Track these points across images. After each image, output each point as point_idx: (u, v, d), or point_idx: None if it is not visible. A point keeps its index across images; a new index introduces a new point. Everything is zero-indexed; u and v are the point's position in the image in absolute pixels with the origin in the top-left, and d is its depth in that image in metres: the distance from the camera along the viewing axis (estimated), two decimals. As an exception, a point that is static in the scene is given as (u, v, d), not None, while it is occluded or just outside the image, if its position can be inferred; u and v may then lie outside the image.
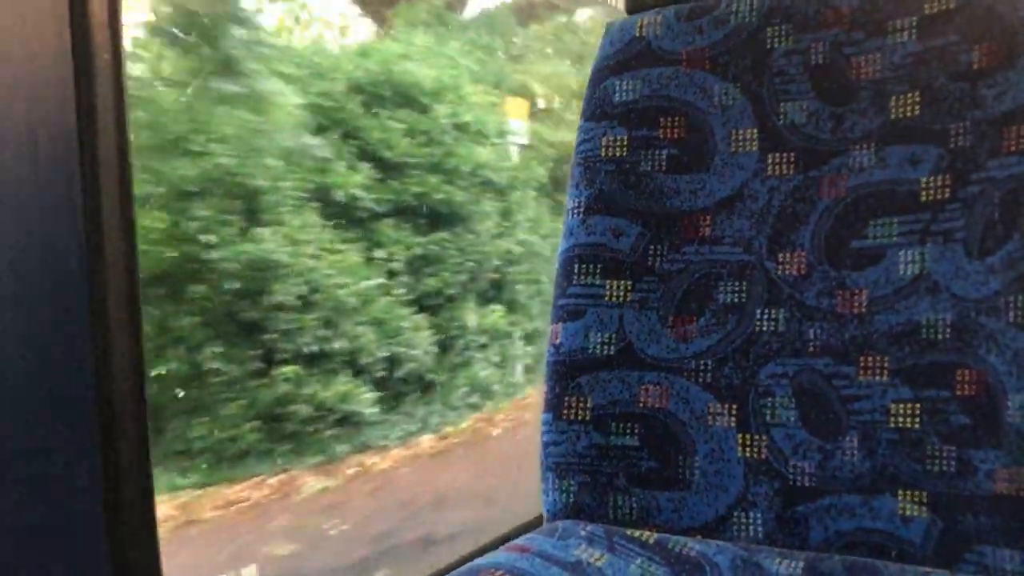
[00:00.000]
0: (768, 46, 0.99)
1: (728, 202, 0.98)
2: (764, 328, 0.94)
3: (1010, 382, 0.82)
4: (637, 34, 1.05)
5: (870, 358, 0.89)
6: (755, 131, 0.98)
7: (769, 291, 0.95)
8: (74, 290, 0.67)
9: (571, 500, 0.99)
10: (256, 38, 3.73)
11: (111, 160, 0.66)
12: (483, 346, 4.56)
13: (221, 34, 3.48)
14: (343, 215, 3.92)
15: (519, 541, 0.89)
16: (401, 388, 4.07)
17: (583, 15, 6.30)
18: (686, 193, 1.00)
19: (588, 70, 1.09)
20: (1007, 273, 0.84)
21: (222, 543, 3.09)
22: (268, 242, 3.44)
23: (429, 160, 4.29)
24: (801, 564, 0.84)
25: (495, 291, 4.68)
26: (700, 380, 0.96)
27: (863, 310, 0.90)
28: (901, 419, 0.87)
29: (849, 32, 0.95)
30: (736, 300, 0.96)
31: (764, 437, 0.92)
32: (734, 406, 0.94)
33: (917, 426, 0.86)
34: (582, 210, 1.03)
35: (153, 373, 3.06)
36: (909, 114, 0.91)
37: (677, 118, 1.01)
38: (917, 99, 0.91)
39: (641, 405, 0.97)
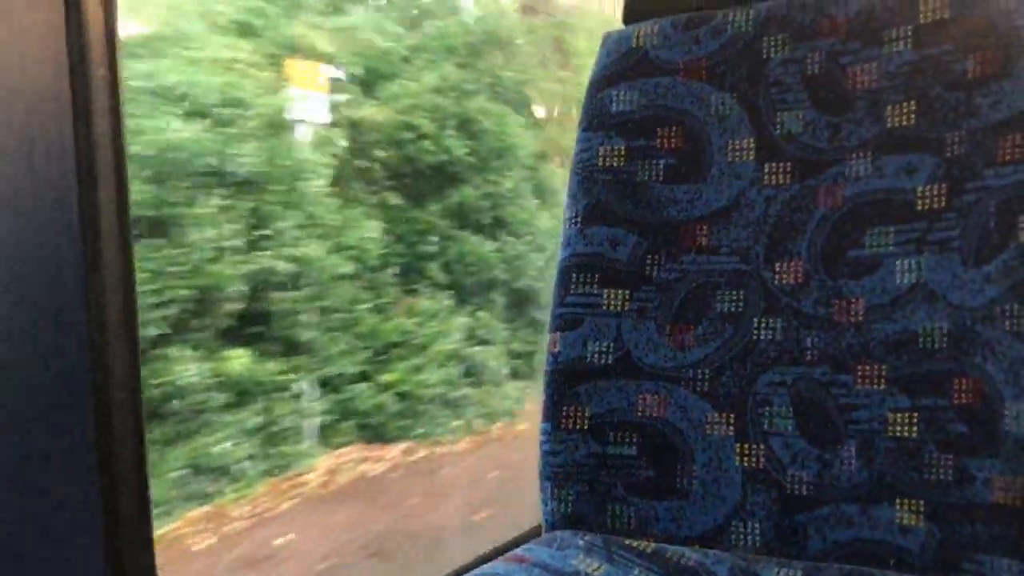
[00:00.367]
0: (764, 56, 0.99)
1: (725, 212, 0.98)
2: (762, 337, 0.94)
3: (1007, 390, 0.82)
4: (634, 44, 1.05)
5: (867, 367, 0.89)
6: (752, 141, 0.98)
7: (766, 300, 0.95)
8: (71, 299, 0.67)
9: (569, 510, 0.99)
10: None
11: (108, 171, 0.67)
12: (228, 406, 2.93)
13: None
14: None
15: (517, 551, 0.88)
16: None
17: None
18: (683, 203, 1.00)
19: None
20: (1004, 282, 0.84)
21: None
22: None
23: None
24: (799, 573, 0.83)
25: (245, 327, 3.06)
26: (698, 389, 0.96)
27: (860, 319, 0.90)
28: (899, 428, 0.86)
29: (845, 42, 0.96)
30: (733, 309, 0.96)
31: (762, 446, 0.92)
32: (732, 415, 0.94)
33: (915, 435, 0.86)
34: (580, 220, 1.03)
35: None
36: (905, 123, 0.92)
37: (674, 128, 1.02)
38: (913, 108, 0.91)
39: (639, 414, 0.97)
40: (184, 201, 2.79)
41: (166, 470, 2.70)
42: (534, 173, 4.48)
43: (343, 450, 3.39)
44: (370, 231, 3.53)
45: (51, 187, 0.65)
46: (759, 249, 0.96)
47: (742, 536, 0.92)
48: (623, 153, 1.03)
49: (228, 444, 2.91)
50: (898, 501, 0.86)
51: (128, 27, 2.68)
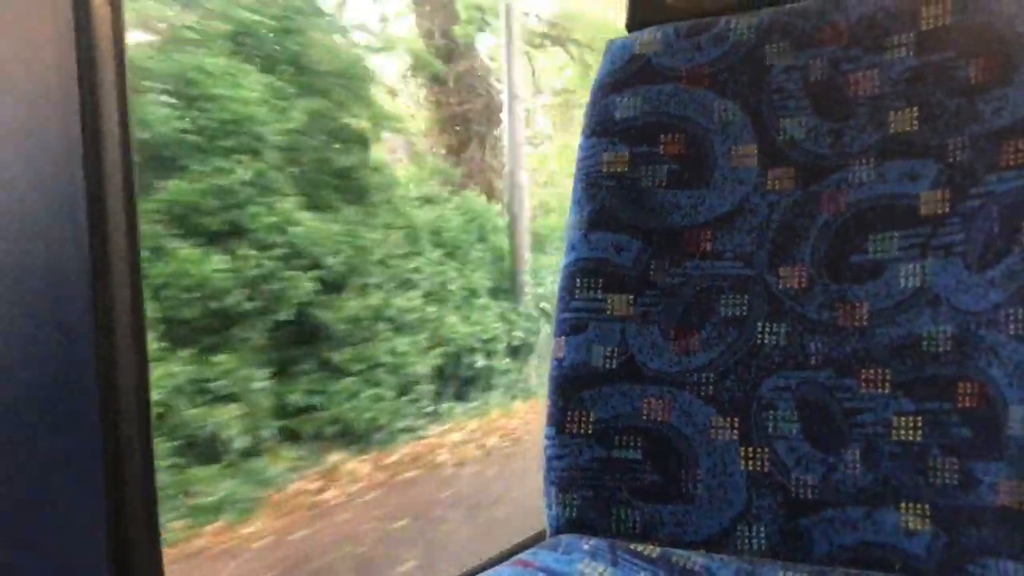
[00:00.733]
0: (767, 63, 1.00)
1: (729, 217, 0.99)
2: (766, 341, 0.94)
3: (1011, 394, 0.82)
4: (637, 52, 1.06)
5: (872, 371, 0.89)
6: (755, 147, 0.99)
7: (770, 305, 0.95)
8: (79, 302, 0.67)
9: (574, 514, 0.99)
10: None
11: (116, 178, 0.67)
12: None
13: None
14: None
15: (522, 556, 0.89)
16: None
17: None
18: (687, 208, 1.00)
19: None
20: (1007, 286, 0.84)
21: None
22: None
23: None
24: None
25: None
26: (702, 393, 0.96)
27: (864, 323, 0.90)
28: (903, 432, 0.87)
29: (847, 49, 0.96)
30: (737, 314, 0.96)
31: (767, 450, 0.92)
32: (736, 419, 0.94)
33: (919, 439, 0.86)
34: (584, 225, 1.04)
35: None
36: (907, 129, 0.92)
37: (677, 134, 1.02)
38: (915, 114, 0.92)
39: (644, 419, 0.98)
40: None
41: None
42: (295, 159, 3.26)
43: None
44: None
45: (59, 194, 0.66)
46: (763, 254, 0.96)
47: (747, 540, 0.92)
48: (627, 159, 1.03)
49: None
50: (903, 505, 0.86)
51: None
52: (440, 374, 4.42)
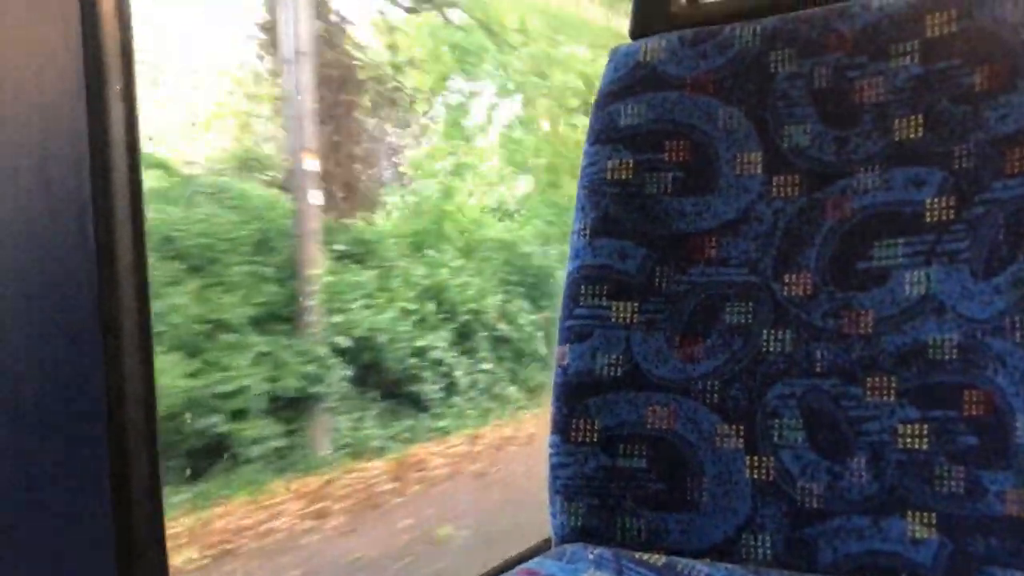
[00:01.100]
0: (771, 70, 1.00)
1: (733, 224, 0.99)
2: (771, 349, 0.94)
3: (1018, 402, 0.82)
4: (641, 59, 1.06)
5: (877, 378, 0.89)
6: (760, 154, 0.99)
7: (775, 312, 0.95)
8: (87, 317, 0.67)
9: (579, 523, 0.98)
10: None
11: (123, 188, 0.67)
12: None
13: None
14: None
15: (528, 565, 0.88)
16: None
17: None
18: (692, 215, 1.00)
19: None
20: (1013, 293, 0.84)
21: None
22: None
23: None
24: None
25: None
26: (707, 401, 0.96)
27: (869, 331, 0.90)
28: (909, 440, 0.87)
29: (852, 56, 0.96)
30: (742, 321, 0.96)
31: (772, 458, 0.92)
32: (742, 427, 0.94)
33: (925, 447, 0.86)
34: (588, 232, 1.04)
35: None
36: (912, 136, 0.92)
37: (682, 142, 1.02)
38: (920, 122, 0.92)
39: (649, 427, 0.97)
40: None
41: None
42: None
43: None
44: None
45: (67, 204, 0.65)
46: (768, 261, 0.96)
47: (753, 549, 0.91)
48: (631, 166, 1.03)
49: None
50: (909, 513, 0.86)
51: None
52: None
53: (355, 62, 5.49)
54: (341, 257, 4.55)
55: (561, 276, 1.06)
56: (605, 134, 1.05)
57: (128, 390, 0.69)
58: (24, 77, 0.64)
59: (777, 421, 0.93)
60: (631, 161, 1.03)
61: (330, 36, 5.25)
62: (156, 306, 2.81)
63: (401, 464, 4.32)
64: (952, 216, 0.88)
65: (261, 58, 5.04)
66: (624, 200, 1.03)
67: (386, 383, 4.58)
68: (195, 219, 3.72)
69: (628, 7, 1.16)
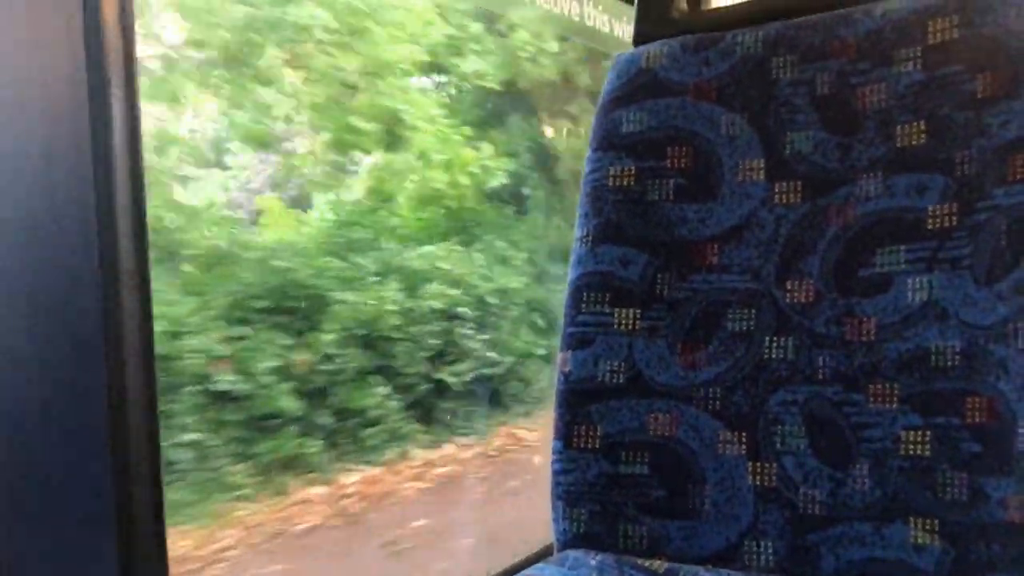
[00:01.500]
0: (774, 77, 1.00)
1: (736, 231, 0.98)
2: (773, 356, 0.94)
3: (1020, 409, 0.82)
4: (644, 66, 1.06)
5: (879, 385, 0.89)
6: (762, 161, 0.99)
7: (778, 319, 0.95)
8: (90, 318, 0.68)
9: (581, 529, 0.98)
10: None
11: (125, 186, 0.68)
12: None
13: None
14: None
15: (530, 571, 0.88)
16: None
17: None
18: (694, 222, 1.00)
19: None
20: (1015, 300, 0.84)
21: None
22: None
23: None
24: None
25: None
26: (710, 408, 0.95)
27: (872, 337, 0.90)
28: (912, 447, 0.86)
29: (854, 62, 0.96)
30: (745, 328, 0.96)
31: (774, 465, 0.92)
32: (744, 434, 0.94)
33: (928, 454, 0.85)
34: (590, 239, 1.04)
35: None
36: (915, 143, 0.92)
37: (684, 148, 1.02)
38: (923, 128, 0.92)
39: (651, 433, 0.97)
40: None
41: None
42: None
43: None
44: None
45: (70, 204, 0.66)
46: (770, 268, 0.96)
47: (755, 556, 0.91)
48: (633, 173, 1.03)
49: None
50: (912, 520, 0.85)
51: None
52: None
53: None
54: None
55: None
56: (607, 141, 1.05)
57: (130, 391, 0.69)
58: (27, 80, 0.65)
59: (779, 428, 0.92)
60: (633, 168, 1.03)
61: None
62: None
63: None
64: (954, 222, 0.88)
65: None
66: (626, 207, 1.03)
67: None
68: None
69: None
